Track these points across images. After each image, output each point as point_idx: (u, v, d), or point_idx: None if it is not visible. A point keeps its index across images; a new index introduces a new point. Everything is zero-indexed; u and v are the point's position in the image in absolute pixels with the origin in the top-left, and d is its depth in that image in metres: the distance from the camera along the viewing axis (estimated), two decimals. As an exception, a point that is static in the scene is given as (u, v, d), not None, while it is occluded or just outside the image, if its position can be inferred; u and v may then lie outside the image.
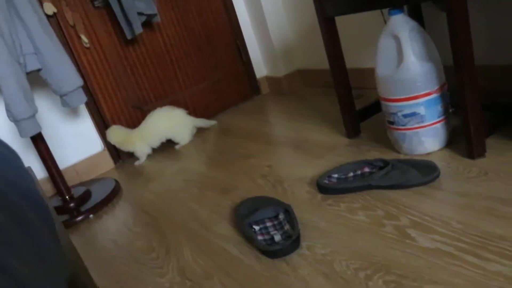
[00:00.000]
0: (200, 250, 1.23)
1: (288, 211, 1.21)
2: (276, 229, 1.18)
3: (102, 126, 2.13)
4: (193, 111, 2.38)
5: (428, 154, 1.32)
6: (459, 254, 0.91)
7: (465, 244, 0.93)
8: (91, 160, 2.12)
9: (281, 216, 1.21)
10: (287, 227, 1.17)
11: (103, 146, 2.15)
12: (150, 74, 2.24)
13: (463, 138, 1.23)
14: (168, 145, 2.19)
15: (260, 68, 2.59)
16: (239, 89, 2.54)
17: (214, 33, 2.41)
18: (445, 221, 1.02)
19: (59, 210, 1.75)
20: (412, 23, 1.28)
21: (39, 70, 1.57)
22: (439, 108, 1.30)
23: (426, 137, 1.31)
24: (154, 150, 2.15)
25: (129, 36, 2.06)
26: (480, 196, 1.07)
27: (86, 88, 2.04)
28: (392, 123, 1.37)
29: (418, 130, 1.31)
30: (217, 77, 2.45)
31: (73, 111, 2.06)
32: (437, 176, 1.19)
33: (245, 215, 1.24)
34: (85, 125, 2.10)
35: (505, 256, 0.87)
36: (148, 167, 2.01)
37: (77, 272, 0.50)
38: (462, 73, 1.15)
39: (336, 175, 1.34)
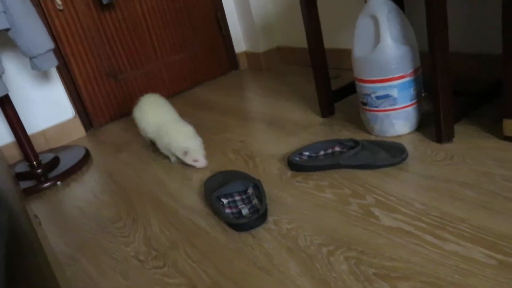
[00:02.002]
0: (167, 221, 1.22)
1: (257, 186, 1.21)
2: (244, 203, 1.19)
3: (74, 92, 2.08)
4: (169, 83, 2.34)
5: (398, 136, 1.34)
6: (419, 233, 0.93)
7: (426, 224, 0.95)
8: (61, 127, 2.07)
9: (250, 191, 1.22)
10: (255, 201, 1.18)
11: (74, 113, 2.10)
12: (126, 42, 2.18)
13: (433, 123, 1.25)
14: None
15: (240, 43, 2.55)
16: (217, 63, 2.51)
17: (194, 4, 2.35)
18: (408, 201, 1.04)
19: (26, 176, 1.71)
20: (391, 5, 1.28)
21: (7, 29, 1.50)
22: (411, 91, 1.31)
23: (397, 119, 1.33)
24: (128, 121, 2.11)
25: (105, 1, 1.99)
26: (444, 179, 1.09)
27: (58, 52, 1.98)
28: (365, 104, 1.38)
29: (390, 112, 1.32)
30: (195, 49, 2.41)
31: (43, 75, 2.00)
32: (405, 158, 1.21)
33: (214, 188, 1.24)
34: (56, 91, 2.04)
35: (462, 237, 0.89)
36: (120, 136, 1.98)
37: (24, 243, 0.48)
38: (436, 58, 1.16)
39: (307, 153, 1.35)
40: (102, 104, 2.17)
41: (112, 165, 1.71)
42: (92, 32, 2.07)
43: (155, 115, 1.61)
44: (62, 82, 2.05)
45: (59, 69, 2.01)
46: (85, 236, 1.27)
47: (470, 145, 1.21)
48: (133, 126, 2.05)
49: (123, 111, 2.21)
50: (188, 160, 1.46)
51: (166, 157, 1.63)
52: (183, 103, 2.22)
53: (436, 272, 0.83)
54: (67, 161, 1.77)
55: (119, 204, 1.39)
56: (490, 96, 1.39)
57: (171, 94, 2.34)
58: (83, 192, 1.55)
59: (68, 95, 2.07)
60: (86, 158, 1.78)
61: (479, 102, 1.39)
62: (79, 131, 2.12)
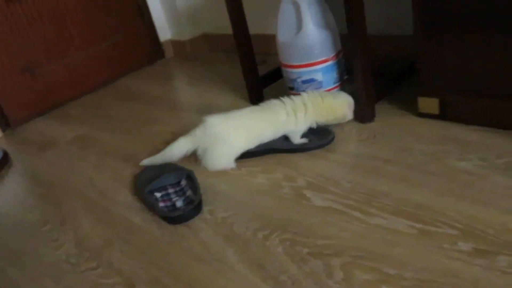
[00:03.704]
0: (99, 220, 1.18)
1: (190, 176, 1.20)
2: (178, 195, 1.18)
3: (-15, 90, 1.92)
4: (91, 75, 2.23)
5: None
6: (347, 210, 0.98)
7: (353, 201, 1.01)
8: (-27, 128, 1.91)
9: (183, 182, 1.21)
10: (189, 192, 1.17)
11: (-13, 112, 1.95)
12: (41, 33, 2.04)
13: (356, 104, 1.31)
14: (60, 111, 2.06)
15: (164, 31, 2.49)
16: (142, 52, 2.43)
17: (112, -9, 2.25)
18: (336, 181, 1.09)
19: None
20: (311, -10, 1.31)
21: None
22: (335, 74, 1.36)
23: (323, 102, 1.37)
24: (51, 117, 2.00)
25: (13, -10, 1.85)
26: (368, 157, 1.15)
27: (-37, 47, 1.81)
28: (292, 88, 1.41)
29: (316, 95, 1.36)
30: (117, 39, 2.31)
31: None
32: (332, 140, 1.26)
33: (146, 182, 1.21)
34: (-36, 89, 1.88)
35: (386, 210, 0.95)
36: (43, 134, 1.87)
37: None
38: (355, 41, 1.21)
39: (238, 140, 1.35)
40: (20, 101, 2.02)
41: (36, 165, 1.61)
42: (2, 23, 1.91)
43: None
44: (-29, 80, 1.88)
45: (-35, 65, 1.84)
46: (11, 243, 1.19)
47: (391, 123, 1.28)
48: (57, 122, 1.95)
49: (45, 106, 2.08)
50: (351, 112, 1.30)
51: (94, 154, 1.56)
52: (108, 95, 2.14)
53: (364, 245, 0.88)
54: (-17, 165, 1.64)
55: (45, 207, 1.32)
56: (407, 76, 1.48)
57: (94, 87, 2.24)
58: (4, 198, 1.45)
59: (-22, 93, 1.91)
60: (4, 161, 1.66)
61: (397, 82, 1.47)
62: (-6, 132, 1.97)
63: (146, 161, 1.33)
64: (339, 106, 1.27)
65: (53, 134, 1.84)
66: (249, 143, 1.25)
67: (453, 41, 1.10)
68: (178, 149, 1.26)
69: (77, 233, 1.15)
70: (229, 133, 1.23)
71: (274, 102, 1.26)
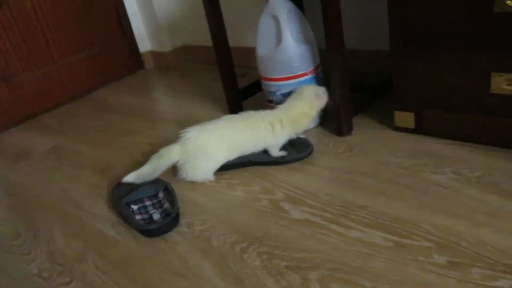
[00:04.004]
0: (73, 233, 1.16)
1: (168, 189, 1.19)
2: (155, 208, 1.16)
3: (-43, 99, 1.87)
4: (69, 85, 2.20)
5: (304, 131, 1.40)
6: (325, 223, 0.99)
7: (330, 214, 1.01)
8: None
9: (161, 195, 1.19)
10: (166, 205, 1.16)
11: (-41, 122, 1.90)
12: (17, 42, 2.00)
13: (334, 117, 1.32)
14: (35, 121, 2.02)
15: (144, 41, 2.48)
16: (121, 62, 2.41)
17: (92, 0, 2.23)
18: (314, 193, 1.10)
19: None
20: (290, 5, 1.33)
21: None
22: (313, 88, 1.37)
23: (302, 115, 1.39)
24: (26, 127, 1.95)
25: (-11, -2, 1.82)
26: (346, 170, 1.16)
27: None
28: (271, 101, 1.42)
29: (295, 108, 1.37)
30: (96, 49, 2.28)
31: None
32: (311, 153, 1.27)
33: (122, 195, 1.20)
34: None
35: (363, 223, 0.96)
36: (18, 145, 1.82)
37: None
38: (333, 55, 1.23)
39: (217, 152, 1.35)
40: (-7, 110, 1.98)
41: (9, 177, 1.57)
42: (-24, 31, 1.88)
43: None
44: None
45: None
46: (-22, 257, 1.15)
47: (368, 136, 1.30)
48: (33, 132, 1.91)
49: (20, 116, 2.04)
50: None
51: (70, 165, 1.53)
52: (85, 106, 2.11)
53: (341, 258, 0.88)
54: (-47, 176, 1.59)
55: (17, 220, 1.28)
56: (384, 90, 1.50)
57: (72, 97, 2.21)
58: (-26, 209, 1.41)
59: (-50, 102, 1.86)
60: (-24, 171, 1.62)
61: (374, 96, 1.50)
62: (-34, 142, 1.91)
63: (129, 178, 1.21)
64: (309, 108, 1.28)
65: (28, 144, 1.80)
66: (229, 155, 1.24)
67: (428, 57, 1.13)
68: (164, 160, 1.21)
69: (50, 247, 1.12)
70: (209, 146, 1.22)
71: (252, 114, 1.27)
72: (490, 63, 1.03)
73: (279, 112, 1.27)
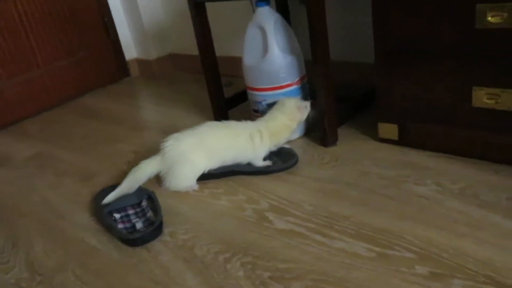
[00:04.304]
0: (54, 242, 1.14)
1: (151, 197, 1.18)
2: (138, 217, 1.15)
3: None
4: (53, 91, 2.17)
5: (289, 141, 1.40)
6: (309, 233, 0.99)
7: (315, 225, 1.01)
8: None
9: (144, 203, 1.18)
10: (150, 214, 1.14)
11: None
12: (0, 46, 1.98)
13: (319, 128, 1.33)
14: (17, 127, 1.98)
15: (130, 49, 2.47)
16: (106, 70, 2.39)
17: (78, 6, 2.22)
18: (299, 204, 1.10)
19: None
20: (277, 16, 1.34)
21: None
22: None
23: (287, 125, 1.39)
24: (7, 133, 1.92)
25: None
26: (330, 180, 1.17)
27: None
28: (257, 111, 1.42)
29: (280, 118, 1.38)
30: (81, 55, 2.27)
31: None
32: (296, 163, 1.27)
33: (105, 203, 1.18)
34: None
35: (347, 233, 0.97)
36: (-4, 151, 1.79)
37: None
38: (319, 66, 1.24)
39: (202, 161, 1.35)
40: (-27, 116, 1.94)
41: (-13, 183, 1.54)
42: (-42, 35, 1.85)
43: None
44: None
45: None
46: (-46, 266, 1.12)
47: (352, 147, 1.31)
48: (14, 139, 1.88)
49: (2, 122, 2.01)
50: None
51: (52, 173, 1.51)
52: (69, 112, 2.09)
53: (324, 269, 0.88)
54: None
55: (-4, 227, 1.26)
56: (368, 102, 1.52)
57: (55, 103, 2.18)
58: (-49, 217, 1.37)
59: None
60: (-46, 178, 1.58)
61: (358, 107, 1.52)
62: None
63: (110, 197, 1.18)
64: (290, 120, 1.29)
65: (9, 151, 1.77)
66: (210, 162, 1.24)
67: (411, 70, 1.15)
68: (142, 174, 1.21)
69: (29, 256, 1.10)
70: (189, 153, 1.22)
71: (233, 123, 1.27)
72: (472, 77, 1.05)
73: (260, 123, 1.28)
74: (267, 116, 1.30)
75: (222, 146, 1.24)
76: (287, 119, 1.28)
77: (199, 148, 1.22)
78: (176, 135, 1.25)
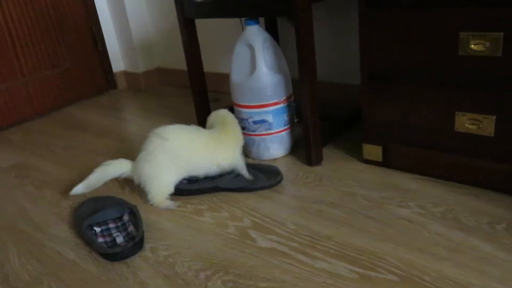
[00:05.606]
0: (30, 255, 1.11)
1: (133, 212, 1.16)
2: (119, 231, 1.13)
3: None
4: (36, 101, 2.15)
5: (274, 160, 1.41)
6: (292, 253, 0.98)
7: (297, 244, 1.01)
8: None
9: (126, 217, 1.16)
10: (131, 228, 1.13)
11: None
12: (-15, 54, 1.96)
13: (305, 147, 1.34)
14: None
15: (118, 61, 2.46)
16: (93, 81, 2.38)
17: (66, 16, 2.21)
18: (282, 222, 1.09)
19: None
20: (266, 35, 1.35)
21: None
22: (285, 117, 1.39)
23: (273, 143, 1.40)
24: (-15, 141, 1.88)
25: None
26: (314, 200, 1.17)
27: None
28: (243, 128, 1.42)
29: (266, 136, 1.38)
30: (68, 65, 2.25)
31: None
32: (280, 181, 1.27)
33: (85, 216, 1.16)
34: None
35: (329, 254, 0.96)
36: (-25, 160, 1.75)
37: None
38: (306, 86, 1.25)
39: (186, 177, 1.34)
40: (-47, 122, 1.90)
41: (-37, 192, 1.50)
42: None
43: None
44: None
45: None
46: None
47: (336, 167, 1.32)
48: (-8, 148, 1.84)
49: (-20, 131, 1.97)
50: None
51: (32, 184, 1.48)
52: (52, 123, 2.06)
53: (306, 289, 0.88)
54: None
55: (-30, 238, 1.22)
56: (353, 123, 1.54)
57: (39, 113, 2.15)
58: None
59: None
60: None
61: (344, 127, 1.53)
62: None
63: (78, 189, 1.23)
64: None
65: (-13, 159, 1.73)
66: (181, 172, 1.25)
67: (395, 94, 1.17)
68: (112, 170, 1.25)
69: (4, 268, 1.07)
70: (157, 171, 1.23)
71: (201, 129, 1.32)
72: (454, 103, 1.08)
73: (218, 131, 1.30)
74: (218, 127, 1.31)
75: (191, 156, 1.25)
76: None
77: (167, 164, 1.23)
78: (159, 130, 1.29)
